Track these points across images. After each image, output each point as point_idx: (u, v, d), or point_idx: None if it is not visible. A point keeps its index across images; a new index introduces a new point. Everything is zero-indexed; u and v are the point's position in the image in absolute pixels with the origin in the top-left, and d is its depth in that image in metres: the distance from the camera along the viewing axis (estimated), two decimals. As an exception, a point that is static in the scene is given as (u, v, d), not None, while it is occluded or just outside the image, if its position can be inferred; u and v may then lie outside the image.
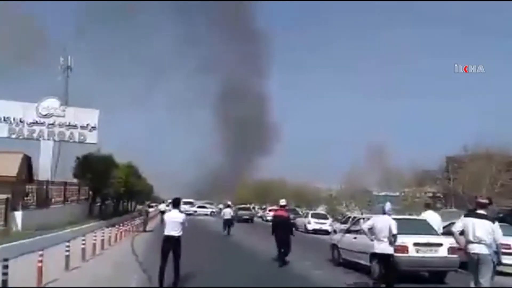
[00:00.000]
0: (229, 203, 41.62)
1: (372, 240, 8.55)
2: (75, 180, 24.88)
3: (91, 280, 9.07)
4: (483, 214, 7.05)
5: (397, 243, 8.79)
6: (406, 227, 9.65)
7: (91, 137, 25.91)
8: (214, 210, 54.35)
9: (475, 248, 6.87)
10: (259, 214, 46.89)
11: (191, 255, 10.00)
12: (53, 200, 20.37)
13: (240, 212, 37.79)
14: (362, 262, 10.41)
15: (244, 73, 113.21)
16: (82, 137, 25.67)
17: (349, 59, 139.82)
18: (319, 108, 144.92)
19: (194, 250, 12.13)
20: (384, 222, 8.31)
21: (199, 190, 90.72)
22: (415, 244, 9.69)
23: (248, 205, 49.59)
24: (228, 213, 23.13)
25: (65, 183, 22.66)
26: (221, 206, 45.64)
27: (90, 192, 26.25)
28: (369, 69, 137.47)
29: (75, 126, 25.44)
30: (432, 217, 11.63)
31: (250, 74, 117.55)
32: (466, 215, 7.54)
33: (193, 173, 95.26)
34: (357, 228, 11.28)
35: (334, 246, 12.60)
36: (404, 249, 9.51)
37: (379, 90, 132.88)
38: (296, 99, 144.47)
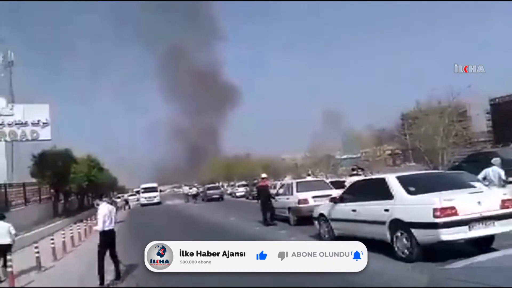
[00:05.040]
0: (196, 184, 40.90)
1: (486, 185, 9.90)
2: (34, 180, 23.95)
3: (66, 279, 8.86)
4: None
5: (299, 197, 13.72)
6: (309, 186, 14.82)
7: (45, 134, 24.85)
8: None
9: None
10: (228, 192, 47.20)
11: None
12: (13, 203, 19.56)
13: (209, 191, 37.87)
14: (283, 214, 14.56)
15: (194, 41, 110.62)
16: (35, 134, 24.58)
17: (301, 26, 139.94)
18: (274, 80, 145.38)
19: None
20: (495, 171, 10.69)
21: (163, 175, 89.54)
22: (313, 197, 13.54)
23: (217, 184, 49.72)
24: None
25: (24, 184, 21.74)
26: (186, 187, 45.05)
27: (52, 190, 25.38)
28: (325, 35, 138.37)
29: (25, 124, 24.32)
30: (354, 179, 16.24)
31: (200, 42, 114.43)
32: (351, 175, 12.89)
33: (154, 159, 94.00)
34: (280, 192, 15.62)
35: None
36: (305, 201, 13.60)
37: (333, 54, 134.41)
38: (252, 70, 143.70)
